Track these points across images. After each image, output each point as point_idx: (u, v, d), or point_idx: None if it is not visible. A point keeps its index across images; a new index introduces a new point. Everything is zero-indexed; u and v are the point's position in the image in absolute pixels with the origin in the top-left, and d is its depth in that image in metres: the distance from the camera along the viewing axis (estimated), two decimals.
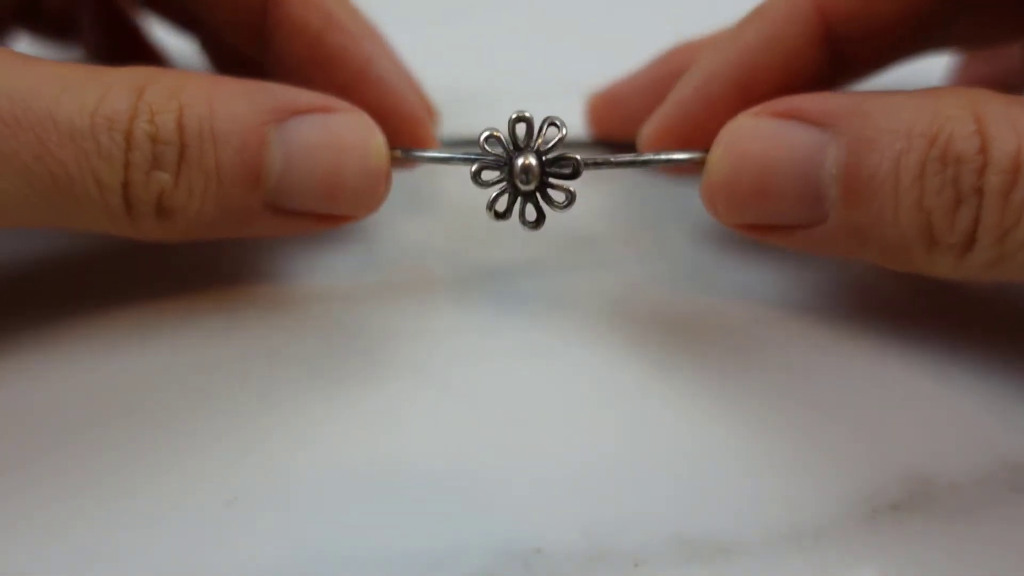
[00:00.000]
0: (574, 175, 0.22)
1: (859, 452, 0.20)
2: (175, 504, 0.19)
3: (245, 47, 0.25)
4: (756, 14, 0.23)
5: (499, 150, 0.22)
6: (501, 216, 0.22)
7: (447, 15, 0.37)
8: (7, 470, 0.19)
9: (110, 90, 0.19)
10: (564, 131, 0.22)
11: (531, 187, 0.22)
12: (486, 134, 0.22)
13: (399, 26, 0.28)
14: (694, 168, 0.23)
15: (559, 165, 0.22)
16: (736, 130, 0.21)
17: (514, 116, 0.22)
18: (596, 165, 0.22)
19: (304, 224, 0.22)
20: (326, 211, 0.21)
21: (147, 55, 0.30)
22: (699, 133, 0.23)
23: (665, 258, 0.26)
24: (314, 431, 0.20)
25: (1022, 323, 0.23)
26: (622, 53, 0.30)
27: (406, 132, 0.24)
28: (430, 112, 0.26)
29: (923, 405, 0.21)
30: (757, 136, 0.20)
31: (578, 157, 0.22)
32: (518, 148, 0.22)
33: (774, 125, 0.20)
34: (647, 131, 0.25)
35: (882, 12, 0.22)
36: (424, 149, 0.24)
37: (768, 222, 0.21)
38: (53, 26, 0.29)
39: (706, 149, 0.22)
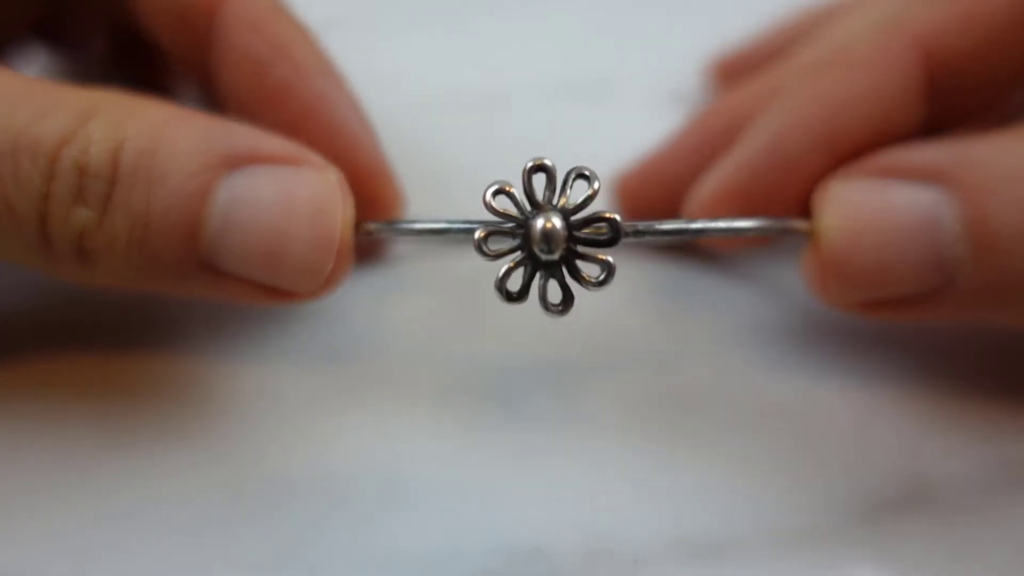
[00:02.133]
0: (611, 241, 0.17)
1: (857, 451, 0.20)
2: (175, 503, 0.19)
3: (193, 76, 0.23)
4: (842, 61, 0.20)
5: (512, 210, 0.17)
6: (515, 298, 0.17)
7: (431, 18, 0.34)
8: (7, 470, 0.19)
9: (50, 111, 0.17)
10: (597, 185, 0.17)
11: (555, 256, 0.16)
12: (494, 188, 0.17)
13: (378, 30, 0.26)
14: (749, 241, 0.20)
15: (591, 229, 0.17)
16: (843, 196, 0.18)
17: (530, 165, 0.17)
18: (637, 233, 0.17)
19: (242, 292, 0.19)
20: (265, 281, 0.18)
21: (162, 84, 0.27)
22: (768, 199, 0.20)
23: (706, 357, 0.22)
24: (314, 431, 0.20)
25: None
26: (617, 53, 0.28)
27: (361, 189, 0.20)
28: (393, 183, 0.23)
29: (921, 404, 0.21)
30: (866, 201, 0.18)
31: (616, 217, 0.17)
32: (536, 207, 0.17)
33: (880, 186, 0.18)
34: (703, 195, 0.21)
35: (1006, 55, 0.20)
36: (408, 220, 0.19)
37: (886, 296, 0.18)
38: (71, 45, 0.26)
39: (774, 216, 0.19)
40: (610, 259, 0.17)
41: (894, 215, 0.18)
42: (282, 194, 0.18)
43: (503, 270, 0.17)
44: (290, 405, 0.21)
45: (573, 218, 0.17)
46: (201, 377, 0.21)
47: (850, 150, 0.20)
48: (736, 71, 0.27)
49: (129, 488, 0.19)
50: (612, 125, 0.26)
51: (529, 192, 0.17)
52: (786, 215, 0.20)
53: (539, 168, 0.17)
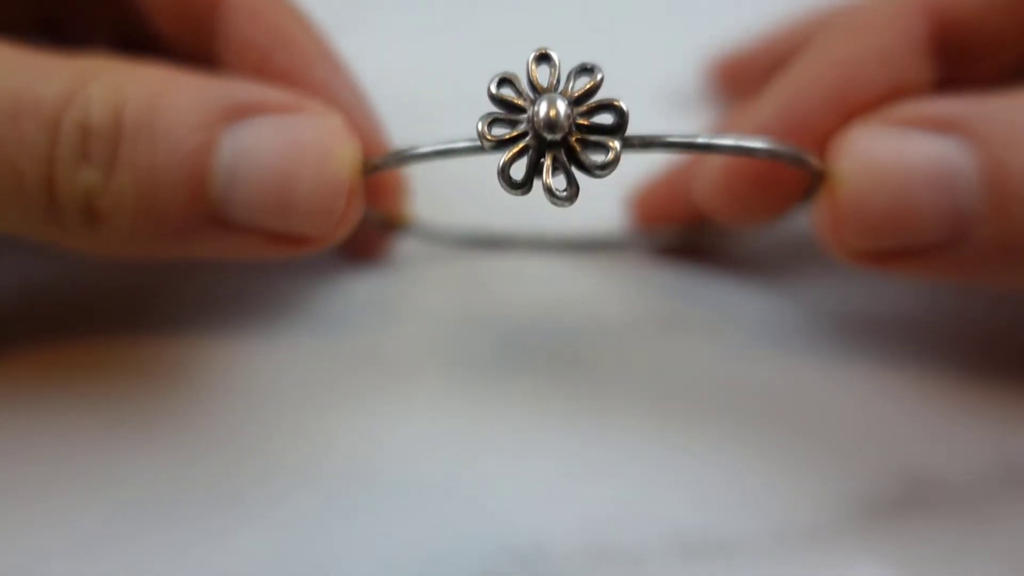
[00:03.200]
0: (617, 127, 0.16)
1: (857, 450, 0.20)
2: (175, 502, 0.19)
3: (196, 68, 0.22)
4: (849, 25, 0.20)
5: (516, 99, 0.16)
6: (518, 186, 0.16)
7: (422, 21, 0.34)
8: (5, 464, 0.19)
9: (48, 75, 0.17)
10: (600, 76, 0.16)
11: (558, 136, 0.16)
12: (498, 79, 0.16)
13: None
14: (757, 203, 0.20)
15: (596, 115, 0.16)
16: (861, 142, 0.18)
17: (534, 55, 0.17)
18: (644, 144, 0.17)
19: (253, 244, 0.18)
20: (277, 228, 0.18)
21: None
22: (780, 164, 0.20)
23: (706, 359, 0.22)
24: (312, 429, 0.20)
25: (1021, 321, 0.22)
26: (616, 54, 0.27)
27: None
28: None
29: (921, 403, 0.20)
30: (887, 148, 0.18)
31: (623, 104, 0.16)
32: (540, 92, 0.16)
33: (897, 134, 0.18)
34: (714, 163, 0.21)
35: (1015, 16, 0.20)
36: (411, 147, 0.18)
37: (899, 245, 0.18)
38: (73, 42, 0.26)
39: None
40: (616, 144, 0.16)
41: (911, 162, 0.18)
42: (287, 140, 0.18)
43: (506, 157, 0.16)
44: (289, 402, 0.20)
45: (578, 109, 0.16)
46: (200, 370, 0.21)
47: (861, 112, 0.19)
48: (737, 73, 0.28)
49: (128, 483, 0.19)
50: None
51: (533, 81, 0.17)
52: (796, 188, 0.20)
53: (543, 58, 0.17)
